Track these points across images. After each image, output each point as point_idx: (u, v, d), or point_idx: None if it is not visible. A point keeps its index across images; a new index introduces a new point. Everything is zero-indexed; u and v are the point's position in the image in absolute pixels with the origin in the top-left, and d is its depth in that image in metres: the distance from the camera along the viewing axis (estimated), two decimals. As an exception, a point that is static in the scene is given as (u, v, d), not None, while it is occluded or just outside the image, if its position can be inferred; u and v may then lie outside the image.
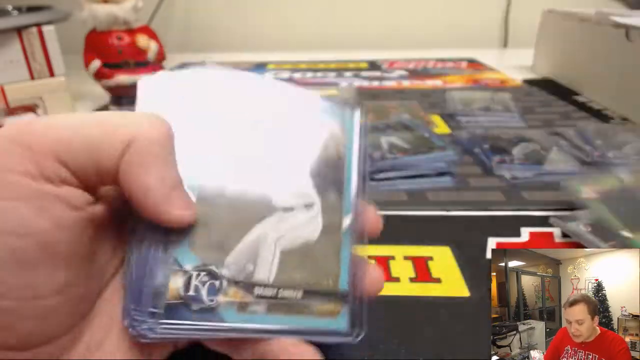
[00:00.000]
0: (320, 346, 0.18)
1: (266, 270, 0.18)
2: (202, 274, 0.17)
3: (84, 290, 0.17)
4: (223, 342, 0.18)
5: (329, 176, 0.20)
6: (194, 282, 0.17)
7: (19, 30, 0.51)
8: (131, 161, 0.16)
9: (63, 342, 0.16)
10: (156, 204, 0.16)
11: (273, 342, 0.17)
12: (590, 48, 0.62)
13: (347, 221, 0.20)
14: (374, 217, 0.21)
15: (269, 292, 0.18)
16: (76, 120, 0.16)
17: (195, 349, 0.19)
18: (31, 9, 0.56)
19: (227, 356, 0.18)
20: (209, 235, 0.18)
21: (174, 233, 0.17)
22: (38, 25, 0.52)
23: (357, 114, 0.23)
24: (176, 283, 0.17)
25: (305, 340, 0.17)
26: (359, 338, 0.18)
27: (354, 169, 0.21)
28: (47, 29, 0.53)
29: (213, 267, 0.17)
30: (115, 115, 0.17)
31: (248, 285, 0.18)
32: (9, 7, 0.56)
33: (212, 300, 0.17)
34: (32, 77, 0.53)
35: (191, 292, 0.17)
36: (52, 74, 0.55)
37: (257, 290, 0.18)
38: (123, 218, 0.18)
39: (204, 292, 0.17)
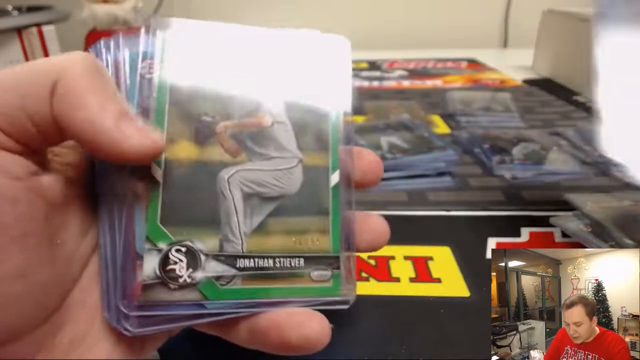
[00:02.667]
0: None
1: (245, 233, 0.17)
2: (178, 250, 0.16)
3: (50, 277, 0.15)
4: (213, 324, 0.17)
5: (311, 127, 0.19)
6: (170, 259, 0.16)
7: (19, 30, 0.51)
8: (64, 99, 0.14)
9: (39, 337, 0.15)
10: (107, 137, 0.14)
11: (271, 315, 0.16)
12: (590, 48, 0.62)
13: (335, 177, 0.19)
14: (372, 160, 0.20)
15: (253, 262, 0.17)
16: (2, 73, 0.14)
17: (188, 343, 0.18)
18: (31, 9, 0.56)
19: (228, 348, 0.17)
20: (179, 207, 0.17)
21: (143, 208, 0.16)
22: (38, 25, 0.52)
23: (346, 52, 0.20)
24: (152, 262, 0.16)
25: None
26: (351, 303, 0.17)
27: (341, 118, 0.19)
28: (47, 29, 0.53)
29: (188, 242, 0.16)
30: (39, 60, 0.15)
31: (229, 258, 0.17)
32: (9, 7, 0.56)
33: (190, 277, 0.16)
34: (32, 77, 0.53)
35: (168, 271, 0.16)
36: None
37: (240, 262, 0.17)
38: (89, 199, 0.17)
39: (181, 269, 0.16)
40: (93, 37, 0.64)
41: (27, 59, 0.52)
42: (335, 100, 0.19)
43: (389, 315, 0.24)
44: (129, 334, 0.16)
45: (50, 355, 0.15)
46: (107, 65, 0.17)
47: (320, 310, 0.17)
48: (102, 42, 0.17)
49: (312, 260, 0.18)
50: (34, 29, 0.52)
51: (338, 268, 0.18)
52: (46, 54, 0.54)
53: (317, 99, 0.19)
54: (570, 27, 0.67)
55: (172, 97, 0.17)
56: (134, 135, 0.15)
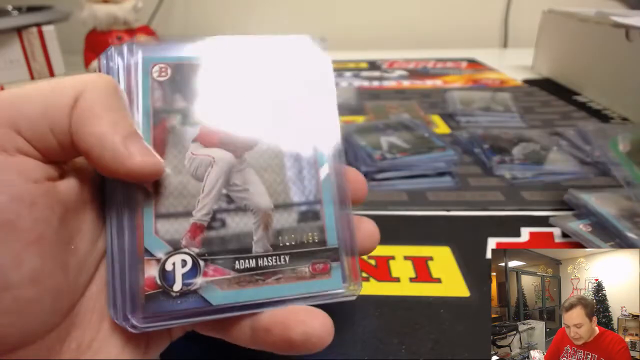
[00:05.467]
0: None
1: (239, 233, 0.17)
2: (175, 258, 0.17)
3: (63, 282, 0.15)
4: (215, 325, 0.17)
5: (294, 121, 0.19)
6: (169, 267, 0.16)
7: (19, 30, 0.51)
8: (81, 114, 0.15)
9: (47, 343, 0.15)
10: (114, 153, 0.15)
11: (273, 313, 0.16)
12: (590, 48, 0.62)
13: (325, 170, 0.19)
14: (356, 177, 0.20)
15: (251, 263, 0.17)
16: (28, 86, 0.15)
17: (190, 344, 0.18)
18: (31, 9, 0.56)
19: (228, 348, 0.18)
20: (171, 217, 0.17)
21: (140, 217, 0.17)
22: (38, 25, 0.52)
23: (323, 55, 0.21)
24: (151, 272, 0.16)
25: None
26: (356, 295, 0.18)
27: (328, 112, 0.20)
28: (47, 29, 0.53)
29: (185, 249, 0.17)
30: (66, 77, 0.16)
31: (227, 261, 0.17)
32: (9, 7, 0.56)
33: (190, 284, 0.16)
34: (32, 77, 0.54)
35: (167, 279, 0.16)
36: (52, 74, 0.55)
37: (238, 264, 0.17)
38: (100, 205, 0.17)
39: (180, 276, 0.16)
40: (93, 37, 0.64)
41: (27, 59, 0.52)
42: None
43: (389, 315, 0.24)
44: (136, 331, 0.16)
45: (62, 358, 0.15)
46: (118, 70, 0.18)
47: (324, 305, 0.17)
48: (113, 48, 0.18)
49: (310, 254, 0.18)
50: (34, 29, 0.52)
51: (337, 260, 0.18)
52: (46, 54, 0.54)
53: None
54: (570, 27, 0.67)
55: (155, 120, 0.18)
56: (139, 154, 0.15)
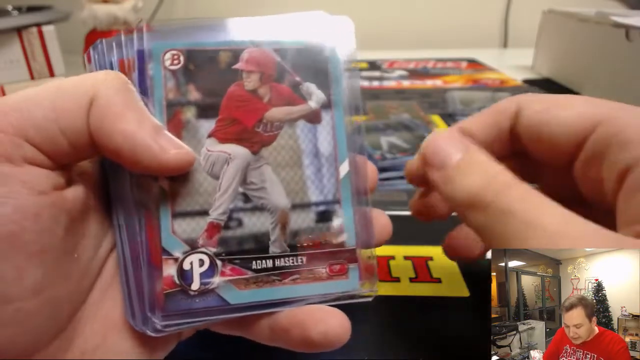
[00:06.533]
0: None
1: (256, 233, 0.17)
2: (193, 257, 0.17)
3: (65, 292, 0.15)
4: (233, 324, 0.17)
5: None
6: (187, 267, 0.16)
7: (19, 30, 0.51)
8: (101, 114, 0.15)
9: (51, 352, 0.15)
10: (146, 150, 0.15)
11: (291, 312, 0.16)
12: (590, 48, 0.62)
13: (345, 168, 0.18)
14: (371, 169, 0.20)
15: (268, 263, 0.17)
16: (32, 90, 0.15)
17: (198, 342, 0.18)
18: (31, 9, 0.56)
19: (232, 345, 0.18)
20: (187, 216, 0.17)
21: (156, 217, 0.16)
22: (38, 25, 0.52)
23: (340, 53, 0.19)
24: (169, 271, 0.16)
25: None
26: (373, 296, 0.17)
27: (342, 107, 0.19)
28: (47, 29, 0.53)
29: (203, 249, 0.17)
30: (72, 78, 0.16)
31: (244, 261, 0.17)
32: (9, 7, 0.56)
33: (208, 283, 0.16)
34: (32, 77, 0.53)
35: (186, 278, 0.16)
36: (52, 74, 0.55)
37: (255, 265, 0.17)
38: (102, 210, 0.17)
39: (197, 276, 0.16)
40: (93, 37, 0.64)
41: (27, 59, 0.52)
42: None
43: (389, 315, 0.24)
44: (157, 334, 0.16)
45: None
46: (112, 64, 0.17)
47: (342, 305, 0.17)
48: (103, 41, 0.17)
49: (327, 255, 0.17)
50: (34, 29, 0.52)
51: (355, 261, 0.18)
52: (46, 54, 0.54)
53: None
54: (570, 27, 0.67)
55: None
56: (171, 148, 0.16)
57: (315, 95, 0.18)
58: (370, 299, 0.18)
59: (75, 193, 0.16)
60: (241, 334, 0.18)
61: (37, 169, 0.14)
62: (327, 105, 0.19)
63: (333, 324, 0.16)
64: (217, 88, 0.18)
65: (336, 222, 0.18)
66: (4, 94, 0.51)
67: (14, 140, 0.14)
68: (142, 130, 0.15)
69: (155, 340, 0.17)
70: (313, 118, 0.18)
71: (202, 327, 0.18)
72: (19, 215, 0.13)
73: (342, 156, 0.18)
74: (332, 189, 0.18)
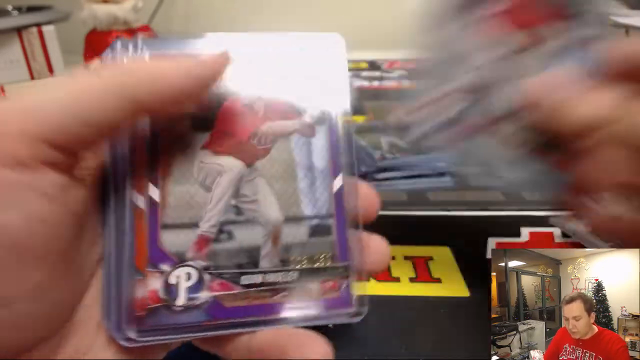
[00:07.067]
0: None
1: (247, 246, 0.17)
2: (180, 271, 0.16)
3: (62, 293, 0.15)
4: (208, 340, 0.17)
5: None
6: (172, 281, 0.16)
7: (19, 30, 0.51)
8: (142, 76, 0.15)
9: (43, 351, 0.15)
10: (190, 63, 0.15)
11: (272, 334, 0.16)
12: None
13: (339, 182, 0.18)
14: (368, 192, 0.19)
15: (258, 278, 0.17)
16: (39, 93, 0.14)
17: (192, 352, 0.18)
18: (31, 9, 0.56)
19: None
20: (177, 228, 0.16)
21: (144, 227, 0.16)
22: (38, 25, 0.52)
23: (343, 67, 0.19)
24: (154, 285, 0.16)
25: (305, 325, 0.16)
26: (362, 316, 0.17)
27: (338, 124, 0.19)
28: (47, 29, 0.53)
29: (191, 262, 0.16)
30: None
31: (233, 275, 0.16)
32: (9, 7, 0.56)
33: (194, 298, 0.16)
34: (32, 77, 0.53)
35: (171, 293, 0.16)
36: (52, 74, 0.55)
37: (244, 279, 0.16)
38: (99, 208, 0.17)
39: (184, 290, 0.16)
40: (93, 37, 0.64)
41: (27, 58, 0.52)
42: (333, 101, 0.19)
43: (389, 315, 0.24)
44: (130, 344, 0.15)
45: None
46: None
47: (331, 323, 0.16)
48: (119, 42, 0.17)
49: (320, 272, 0.17)
50: (34, 29, 0.52)
51: (347, 278, 0.17)
52: (46, 54, 0.54)
53: (315, 101, 0.19)
54: (570, 27, 0.67)
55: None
56: (203, 56, 0.16)
57: (310, 110, 0.18)
58: (359, 319, 0.17)
59: (79, 196, 0.16)
60: (215, 351, 0.17)
61: (46, 174, 0.14)
62: (322, 120, 0.19)
63: (315, 351, 0.15)
64: (212, 101, 0.18)
65: (329, 237, 0.18)
66: (4, 93, 0.51)
67: (22, 140, 0.13)
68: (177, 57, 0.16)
69: (144, 346, 0.16)
70: (308, 132, 0.18)
71: (181, 343, 0.17)
72: (25, 221, 0.13)
73: (336, 170, 0.18)
74: (326, 203, 0.18)
